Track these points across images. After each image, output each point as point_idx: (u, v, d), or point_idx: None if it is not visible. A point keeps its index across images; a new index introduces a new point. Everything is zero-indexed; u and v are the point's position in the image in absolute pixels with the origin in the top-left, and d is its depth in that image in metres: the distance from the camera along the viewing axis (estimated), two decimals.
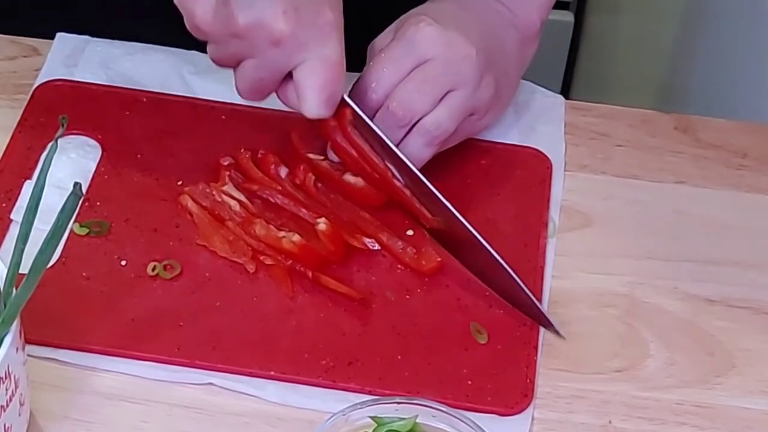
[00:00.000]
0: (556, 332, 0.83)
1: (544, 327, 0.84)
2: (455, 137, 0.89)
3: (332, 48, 0.83)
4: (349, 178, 0.89)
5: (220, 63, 0.86)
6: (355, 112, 0.86)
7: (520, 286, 0.83)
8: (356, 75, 0.91)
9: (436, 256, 0.86)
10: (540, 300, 0.85)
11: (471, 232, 0.84)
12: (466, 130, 0.90)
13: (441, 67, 0.86)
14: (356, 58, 0.92)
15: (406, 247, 0.87)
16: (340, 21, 0.83)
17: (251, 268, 0.85)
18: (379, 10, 0.95)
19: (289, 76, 0.84)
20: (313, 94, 0.83)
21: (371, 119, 0.87)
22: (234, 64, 0.85)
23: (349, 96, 0.88)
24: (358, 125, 0.87)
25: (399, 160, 0.86)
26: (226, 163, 0.91)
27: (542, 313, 0.83)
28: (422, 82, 0.86)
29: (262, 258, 0.85)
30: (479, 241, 0.84)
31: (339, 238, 0.86)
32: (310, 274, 0.84)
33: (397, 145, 0.87)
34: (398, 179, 0.88)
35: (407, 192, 0.88)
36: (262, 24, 0.81)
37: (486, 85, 0.88)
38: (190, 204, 0.88)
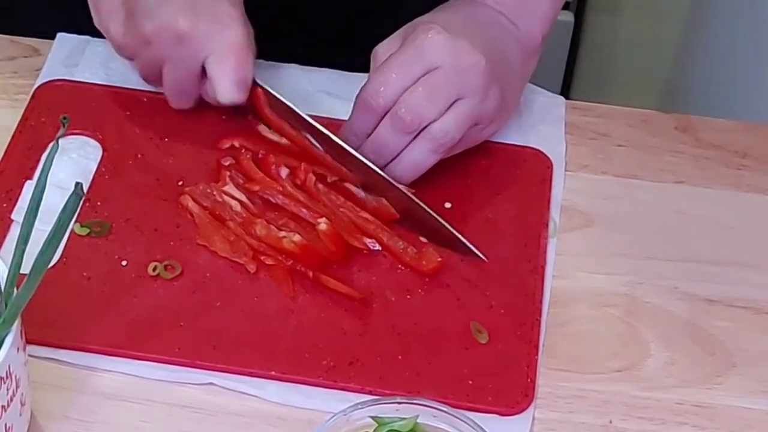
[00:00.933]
0: (478, 256, 0.87)
1: (467, 254, 0.87)
2: (460, 145, 0.89)
3: (234, 34, 0.88)
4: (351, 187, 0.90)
5: (147, 78, 0.92)
6: (267, 91, 0.91)
7: (438, 221, 0.87)
8: (360, 75, 0.91)
9: (437, 256, 0.86)
10: (541, 300, 0.85)
11: (384, 177, 0.88)
12: (471, 139, 0.90)
13: (449, 75, 0.87)
14: (358, 59, 0.92)
15: (406, 247, 0.87)
16: (239, 10, 0.89)
17: (252, 268, 0.85)
18: (383, 13, 0.95)
19: (206, 74, 0.89)
20: (223, 80, 0.88)
21: (377, 124, 0.87)
22: (158, 75, 0.90)
23: (356, 99, 0.88)
24: (272, 103, 0.91)
25: (313, 128, 0.90)
26: (226, 164, 0.91)
27: (464, 243, 0.87)
28: (431, 89, 0.87)
29: (262, 258, 0.86)
30: (393, 184, 0.88)
31: (340, 238, 0.86)
32: (310, 274, 0.84)
33: (401, 151, 0.88)
34: (317, 147, 0.90)
35: (328, 158, 0.90)
36: (164, 26, 0.87)
37: (493, 95, 0.88)
38: (190, 204, 0.88)
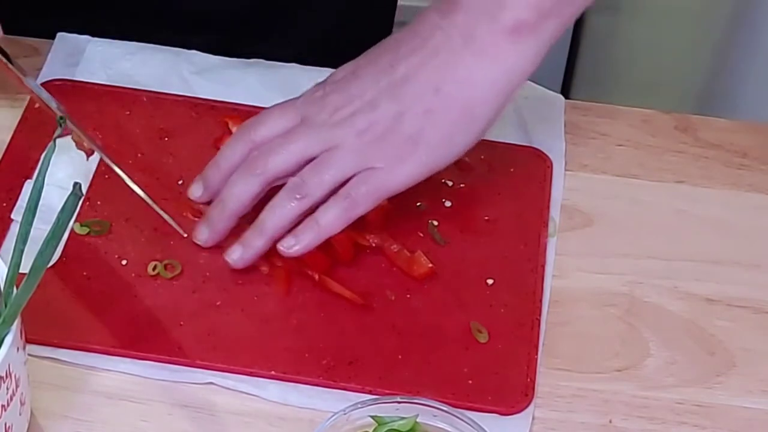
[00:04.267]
0: None
1: None
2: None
3: None
4: None
5: None
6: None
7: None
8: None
9: (428, 263, 0.86)
10: (541, 299, 0.85)
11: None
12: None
13: None
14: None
15: (400, 250, 0.87)
16: None
17: (265, 269, 0.85)
18: (381, 12, 0.95)
19: None
20: None
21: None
22: None
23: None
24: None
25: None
26: None
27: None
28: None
29: (272, 260, 0.85)
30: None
31: (348, 240, 0.86)
32: (316, 276, 0.84)
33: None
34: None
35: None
36: None
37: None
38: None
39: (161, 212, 0.85)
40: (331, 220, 0.83)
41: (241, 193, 0.85)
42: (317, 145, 0.84)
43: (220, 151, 0.87)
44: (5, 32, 1.00)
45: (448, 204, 0.90)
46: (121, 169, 0.86)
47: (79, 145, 0.87)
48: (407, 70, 0.83)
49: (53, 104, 0.87)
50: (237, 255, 0.84)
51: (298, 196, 0.83)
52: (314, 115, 0.85)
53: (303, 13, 1.07)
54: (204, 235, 0.86)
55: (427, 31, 0.84)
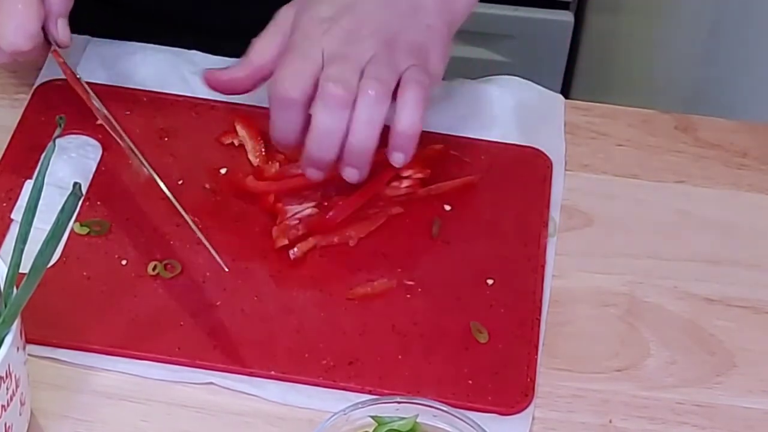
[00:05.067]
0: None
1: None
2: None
3: None
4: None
5: None
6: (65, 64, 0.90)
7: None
8: None
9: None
10: (541, 299, 0.85)
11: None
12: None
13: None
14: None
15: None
16: None
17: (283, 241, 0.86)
18: None
19: None
20: (3, 24, 0.85)
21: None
22: None
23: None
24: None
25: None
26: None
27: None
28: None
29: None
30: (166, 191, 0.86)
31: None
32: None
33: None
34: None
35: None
36: None
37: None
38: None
39: (201, 235, 0.85)
40: (413, 101, 0.84)
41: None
42: (356, 68, 0.84)
43: (276, 125, 0.86)
44: None
45: (447, 207, 0.90)
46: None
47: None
48: None
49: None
50: (356, 176, 0.85)
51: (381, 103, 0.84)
52: (337, 44, 0.85)
53: None
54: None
55: None
